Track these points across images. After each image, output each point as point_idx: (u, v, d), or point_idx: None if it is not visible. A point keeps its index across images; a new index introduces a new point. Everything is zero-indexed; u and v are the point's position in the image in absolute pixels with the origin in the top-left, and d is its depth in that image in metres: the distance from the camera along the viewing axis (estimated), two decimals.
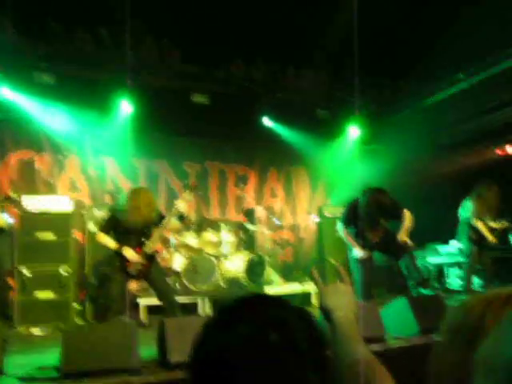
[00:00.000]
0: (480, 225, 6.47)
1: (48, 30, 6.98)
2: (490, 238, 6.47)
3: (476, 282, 7.05)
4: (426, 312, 4.37)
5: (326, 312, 1.27)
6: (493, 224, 6.62)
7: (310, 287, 7.64)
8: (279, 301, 0.91)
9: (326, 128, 8.95)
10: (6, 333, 4.03)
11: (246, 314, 0.86)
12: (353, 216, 5.71)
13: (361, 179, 8.01)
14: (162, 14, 6.56)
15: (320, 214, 8.73)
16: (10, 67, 6.90)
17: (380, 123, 9.15)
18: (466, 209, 6.60)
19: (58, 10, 6.62)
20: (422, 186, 9.29)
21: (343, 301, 1.26)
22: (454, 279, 7.77)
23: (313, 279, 1.39)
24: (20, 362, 3.95)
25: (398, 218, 5.84)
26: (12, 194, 4.80)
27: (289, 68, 8.43)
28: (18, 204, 5.38)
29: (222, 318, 0.87)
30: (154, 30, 7.27)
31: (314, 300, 7.55)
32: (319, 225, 8.76)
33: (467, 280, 6.66)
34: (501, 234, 6.69)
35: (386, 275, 8.03)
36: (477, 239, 6.54)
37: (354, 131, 9.15)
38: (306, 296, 7.64)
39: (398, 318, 4.49)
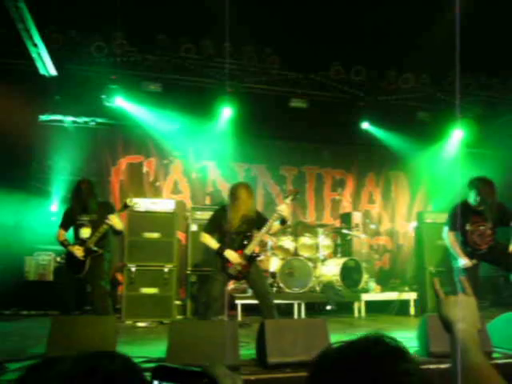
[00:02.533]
0: None
1: (155, 41, 7.42)
2: None
3: None
4: None
5: (446, 323, 1.25)
6: None
7: (408, 296, 7.40)
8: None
9: (427, 131, 8.64)
10: (117, 325, 4.32)
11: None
12: (461, 218, 5.44)
13: (465, 185, 7.63)
14: (262, 22, 6.70)
15: (420, 219, 8.42)
16: (122, 78, 7.44)
17: (487, 125, 8.64)
18: None
19: (164, 22, 7.00)
20: None
21: (465, 313, 1.22)
22: None
23: (434, 288, 1.37)
24: (128, 353, 4.19)
25: (508, 223, 5.48)
26: (129, 202, 5.17)
27: (389, 71, 8.23)
28: (132, 210, 5.75)
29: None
30: (254, 38, 7.44)
31: (412, 309, 7.32)
32: (418, 231, 8.44)
33: None
34: None
35: (490, 288, 7.58)
36: None
37: (457, 134, 8.73)
38: (403, 304, 7.43)
39: (505, 333, 4.23)
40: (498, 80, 8.52)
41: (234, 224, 4.93)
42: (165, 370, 0.97)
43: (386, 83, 8.33)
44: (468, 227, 5.48)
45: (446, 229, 5.69)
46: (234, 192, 5.02)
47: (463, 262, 5.41)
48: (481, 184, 5.35)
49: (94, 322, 4.10)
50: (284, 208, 4.89)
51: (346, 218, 8.37)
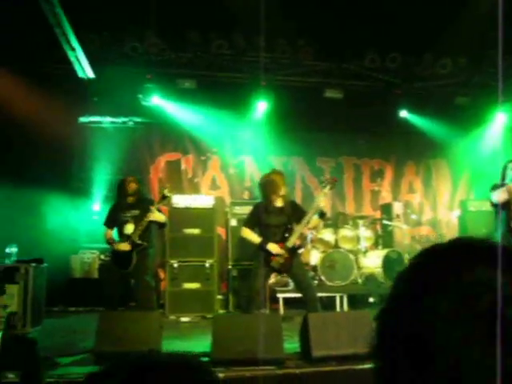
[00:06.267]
0: None
1: (188, 38, 7.46)
2: None
3: None
4: None
5: None
6: None
7: None
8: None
9: (467, 116, 8.38)
10: (162, 320, 4.39)
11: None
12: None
13: None
14: (293, 13, 6.62)
15: (463, 208, 8.21)
16: (157, 76, 7.53)
17: None
18: None
19: (195, 19, 7.03)
20: None
21: None
22: None
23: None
24: (173, 347, 4.27)
25: None
26: (167, 193, 5.28)
27: (425, 56, 8.01)
28: (170, 201, 5.86)
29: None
30: (286, 30, 7.38)
31: None
32: (461, 220, 8.23)
33: None
34: None
35: None
36: None
37: (500, 118, 8.44)
38: None
39: None
40: None
41: (273, 214, 4.92)
42: None
43: (422, 69, 8.11)
44: None
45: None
46: (264, 179, 5.03)
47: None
48: None
49: (139, 318, 4.19)
50: (322, 200, 4.85)
51: (386, 209, 8.23)
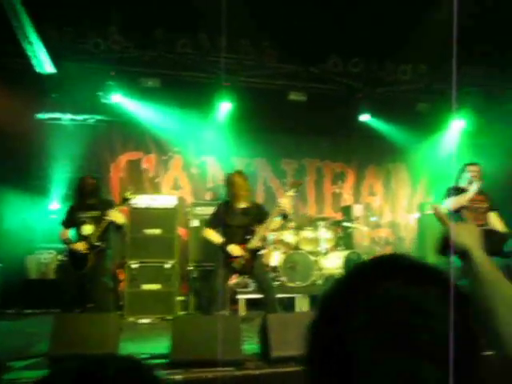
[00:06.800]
0: None
1: (152, 37, 7.37)
2: None
3: None
4: None
5: (461, 250, 1.15)
6: None
7: None
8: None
9: (427, 122, 8.59)
10: (120, 322, 4.32)
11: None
12: None
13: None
14: (258, 14, 6.64)
15: (421, 211, 8.43)
16: (120, 74, 7.40)
17: (488, 115, 8.57)
18: None
19: (160, 17, 6.96)
20: None
21: (477, 240, 1.15)
22: None
23: (438, 216, 1.28)
24: (131, 350, 4.20)
25: None
26: (129, 195, 5.21)
27: (387, 62, 8.18)
28: (132, 202, 5.79)
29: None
30: (251, 32, 7.39)
31: None
32: (420, 222, 8.45)
33: None
34: None
35: None
36: None
37: (458, 124, 8.69)
38: None
39: None
40: (499, 69, 8.45)
41: (235, 214, 4.93)
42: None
43: (384, 75, 8.27)
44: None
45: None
46: (228, 180, 5.06)
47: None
48: None
49: (96, 320, 4.09)
50: (285, 202, 4.88)
51: (346, 211, 8.35)
